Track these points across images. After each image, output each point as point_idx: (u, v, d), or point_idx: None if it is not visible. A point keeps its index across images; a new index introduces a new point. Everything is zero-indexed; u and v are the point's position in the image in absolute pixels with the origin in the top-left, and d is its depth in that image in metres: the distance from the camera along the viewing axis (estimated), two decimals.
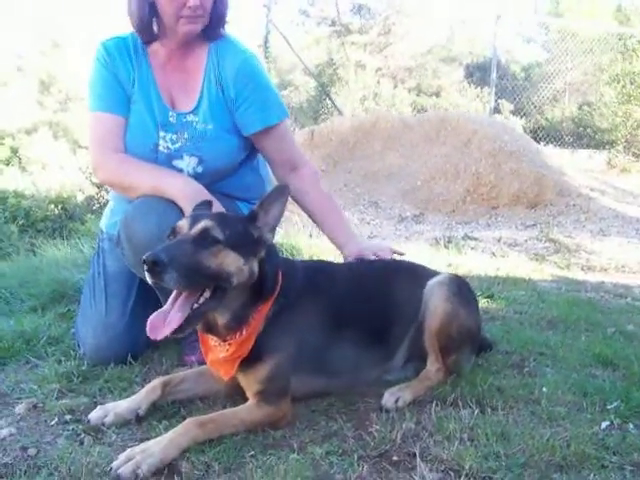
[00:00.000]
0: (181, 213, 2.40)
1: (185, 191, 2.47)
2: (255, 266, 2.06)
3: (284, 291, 2.18)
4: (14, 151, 23.17)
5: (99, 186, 8.13)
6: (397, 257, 2.84)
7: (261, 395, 2.12)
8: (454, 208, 7.75)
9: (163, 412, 2.23)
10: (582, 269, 5.21)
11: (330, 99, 14.33)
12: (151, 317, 1.97)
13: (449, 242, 5.69)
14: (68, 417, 2.20)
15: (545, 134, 15.44)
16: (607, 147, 13.78)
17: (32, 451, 1.97)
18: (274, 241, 2.29)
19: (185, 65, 2.75)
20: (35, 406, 2.29)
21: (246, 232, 2.06)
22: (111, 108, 2.68)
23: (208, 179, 2.66)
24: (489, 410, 2.28)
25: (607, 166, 12.35)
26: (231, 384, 2.30)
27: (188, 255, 1.89)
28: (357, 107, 18.52)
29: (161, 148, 2.70)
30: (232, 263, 1.97)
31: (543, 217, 7.46)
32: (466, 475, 1.84)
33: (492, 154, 7.94)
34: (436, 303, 2.43)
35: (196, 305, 1.97)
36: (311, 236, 5.16)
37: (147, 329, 1.95)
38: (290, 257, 2.54)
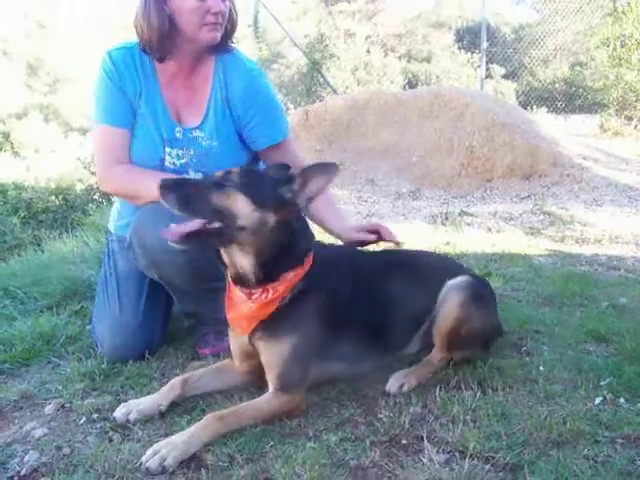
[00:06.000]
0: None
1: None
2: (270, 218, 2.15)
3: (313, 272, 2.29)
4: (6, 136, 23.09)
5: None
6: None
7: (280, 381, 2.24)
8: (449, 182, 7.81)
9: (184, 407, 2.35)
10: (577, 242, 5.31)
11: (324, 78, 14.28)
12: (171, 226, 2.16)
13: (446, 219, 5.80)
14: (95, 416, 2.32)
15: (537, 97, 15.46)
16: (599, 110, 13.81)
17: (66, 450, 2.10)
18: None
19: (191, 80, 2.78)
20: (63, 406, 2.41)
21: (271, 187, 2.18)
22: (116, 121, 2.73)
23: None
24: (490, 391, 2.42)
25: (600, 130, 12.39)
26: (247, 377, 2.47)
27: (199, 188, 2.13)
28: (348, 78, 18.47)
29: (167, 163, 2.78)
30: (241, 206, 2.11)
31: (537, 188, 7.54)
32: (470, 456, 1.97)
33: (485, 127, 7.99)
34: (450, 306, 2.53)
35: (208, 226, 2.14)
36: None
37: (166, 233, 2.14)
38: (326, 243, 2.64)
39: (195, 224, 2.13)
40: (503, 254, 4.65)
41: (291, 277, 2.25)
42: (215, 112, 2.76)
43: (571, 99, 15.89)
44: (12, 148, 22.77)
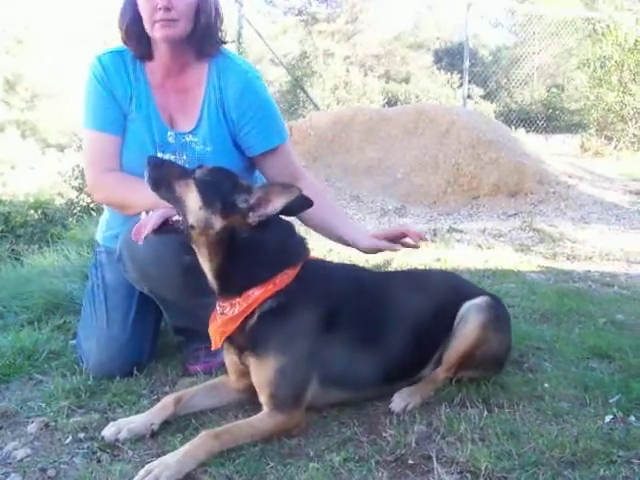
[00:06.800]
0: None
1: None
2: (216, 222, 2.10)
3: (293, 290, 2.18)
4: None
5: (79, 189, 8.05)
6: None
7: (273, 401, 2.14)
8: (435, 200, 7.75)
9: (176, 425, 2.23)
10: (568, 258, 5.27)
11: (307, 95, 14.23)
12: (136, 224, 2.25)
13: (435, 235, 5.74)
14: (82, 435, 2.18)
15: (516, 118, 15.60)
16: (578, 130, 13.97)
17: (51, 472, 1.96)
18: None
19: (184, 84, 2.66)
20: (47, 425, 2.27)
21: (226, 191, 2.13)
22: (106, 127, 2.62)
23: None
24: (496, 409, 2.33)
25: (580, 150, 12.49)
26: (243, 395, 2.36)
27: (170, 171, 2.22)
28: (328, 97, 18.51)
29: None
30: (191, 199, 2.12)
31: (524, 206, 7.52)
32: (483, 476, 1.88)
33: (471, 144, 7.95)
34: (470, 328, 2.42)
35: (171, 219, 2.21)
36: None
37: (132, 233, 2.23)
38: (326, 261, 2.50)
39: (157, 219, 2.19)
40: (496, 270, 4.58)
41: (257, 294, 2.15)
42: (209, 117, 2.65)
43: (548, 120, 16.08)
44: None
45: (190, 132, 2.66)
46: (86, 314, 2.84)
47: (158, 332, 2.95)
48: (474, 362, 2.47)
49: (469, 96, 17.17)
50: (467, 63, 12.61)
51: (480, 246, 5.60)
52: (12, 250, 6.67)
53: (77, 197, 8.12)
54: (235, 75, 2.65)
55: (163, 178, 2.19)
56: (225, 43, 2.72)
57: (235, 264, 2.15)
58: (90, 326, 2.78)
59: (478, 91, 19.57)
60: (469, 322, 2.44)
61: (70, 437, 2.18)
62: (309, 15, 28.88)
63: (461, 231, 6.15)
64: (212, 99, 2.65)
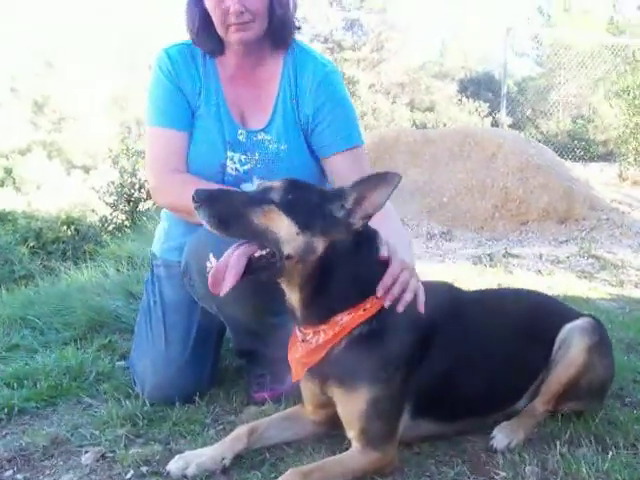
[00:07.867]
0: None
1: None
2: (319, 244, 1.80)
3: (383, 314, 1.90)
4: (8, 172, 23.05)
5: (113, 206, 7.89)
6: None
7: (365, 437, 1.87)
8: (482, 224, 7.49)
9: (249, 461, 1.97)
10: (636, 286, 4.97)
11: None
12: (211, 272, 1.83)
13: (491, 260, 5.46)
14: (144, 469, 1.93)
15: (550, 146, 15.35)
16: (612, 159, 13.62)
17: None
18: None
19: (256, 77, 2.46)
20: (103, 455, 2.03)
21: (318, 205, 1.84)
22: (173, 123, 2.40)
23: None
24: (613, 449, 2.03)
25: (619, 179, 12.13)
26: (321, 427, 2.11)
27: (237, 204, 1.81)
28: None
29: (229, 169, 2.42)
30: (282, 228, 1.78)
31: (575, 232, 7.26)
32: None
33: (519, 168, 7.69)
34: (575, 353, 2.15)
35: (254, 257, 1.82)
36: None
37: (209, 284, 1.83)
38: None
39: (239, 263, 1.80)
40: (564, 297, 4.26)
41: (346, 320, 1.87)
42: (284, 113, 2.43)
43: (579, 149, 15.79)
44: (14, 183, 22.70)
45: (262, 129, 2.44)
46: (141, 333, 2.60)
47: (219, 355, 2.70)
48: (579, 392, 2.19)
49: (497, 125, 17.02)
50: (505, 89, 12.37)
51: (540, 272, 5.31)
52: (44, 266, 6.51)
53: (111, 214, 7.95)
54: (312, 68, 2.44)
55: (229, 213, 1.81)
56: (299, 28, 2.51)
57: (326, 288, 1.87)
58: (146, 346, 2.54)
59: (506, 120, 19.40)
60: (572, 346, 2.17)
61: (131, 471, 1.93)
62: (335, 43, 28.96)
63: (517, 256, 5.86)
64: (287, 94, 2.44)
